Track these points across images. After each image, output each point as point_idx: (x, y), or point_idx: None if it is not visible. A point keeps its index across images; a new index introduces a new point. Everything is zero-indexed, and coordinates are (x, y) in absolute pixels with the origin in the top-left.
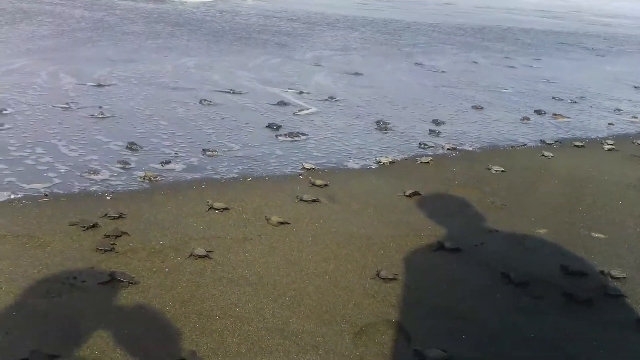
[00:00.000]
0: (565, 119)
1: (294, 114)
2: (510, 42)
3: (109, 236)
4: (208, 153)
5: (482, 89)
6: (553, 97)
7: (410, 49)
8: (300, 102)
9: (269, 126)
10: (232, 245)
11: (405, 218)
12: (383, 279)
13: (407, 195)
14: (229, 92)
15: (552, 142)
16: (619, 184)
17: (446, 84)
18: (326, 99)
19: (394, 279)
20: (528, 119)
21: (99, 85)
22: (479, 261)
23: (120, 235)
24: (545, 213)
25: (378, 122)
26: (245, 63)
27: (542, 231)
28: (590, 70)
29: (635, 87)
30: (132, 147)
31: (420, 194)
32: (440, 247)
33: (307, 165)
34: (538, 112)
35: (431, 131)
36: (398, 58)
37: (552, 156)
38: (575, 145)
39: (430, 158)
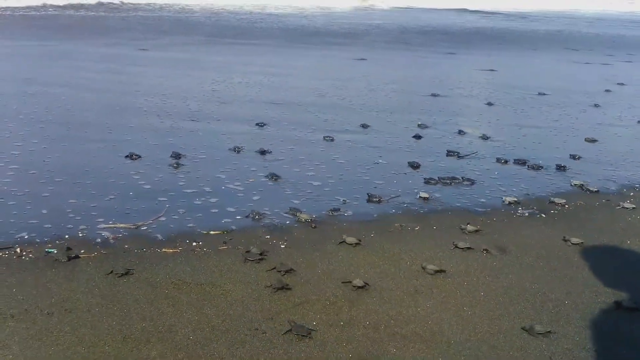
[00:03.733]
0: None
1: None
2: None
3: (279, 271)
4: (375, 199)
5: None
6: None
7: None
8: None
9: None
10: (403, 298)
11: (580, 273)
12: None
13: (573, 244)
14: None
15: None
16: None
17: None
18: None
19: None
20: None
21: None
22: None
23: (290, 271)
24: None
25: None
26: None
27: None
28: None
29: None
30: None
31: (587, 245)
32: (618, 306)
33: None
34: None
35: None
36: None
37: None
38: None
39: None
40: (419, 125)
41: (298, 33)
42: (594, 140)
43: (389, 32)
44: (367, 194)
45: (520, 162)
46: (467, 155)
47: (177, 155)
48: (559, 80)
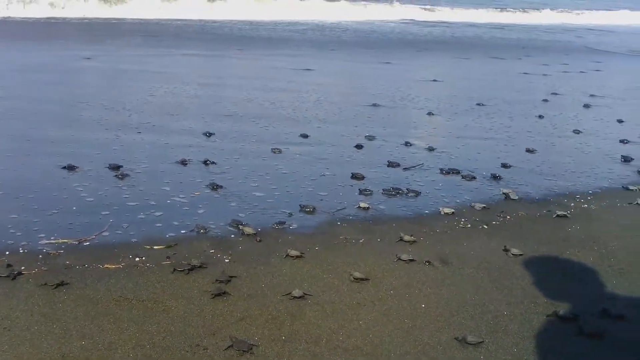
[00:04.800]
0: None
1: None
2: None
3: (221, 281)
4: (308, 210)
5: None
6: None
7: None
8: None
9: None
10: (346, 311)
11: (520, 284)
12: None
13: (513, 255)
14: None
15: None
16: None
17: None
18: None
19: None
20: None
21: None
22: (598, 330)
23: (230, 280)
24: None
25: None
26: None
27: None
28: None
29: None
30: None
31: (527, 255)
32: (556, 317)
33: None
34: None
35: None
36: None
37: None
38: None
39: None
40: (364, 137)
41: (251, 42)
42: (533, 151)
43: (335, 42)
44: (300, 204)
45: (463, 173)
46: (412, 167)
47: (121, 168)
48: (497, 90)
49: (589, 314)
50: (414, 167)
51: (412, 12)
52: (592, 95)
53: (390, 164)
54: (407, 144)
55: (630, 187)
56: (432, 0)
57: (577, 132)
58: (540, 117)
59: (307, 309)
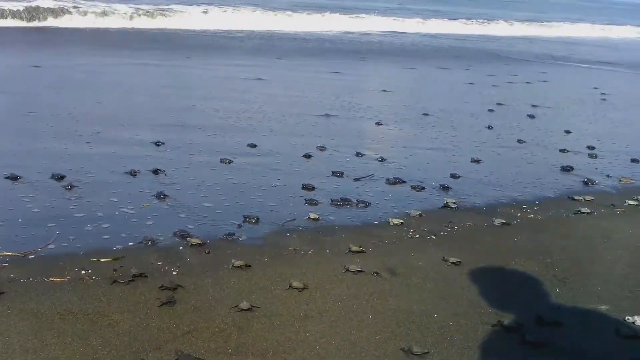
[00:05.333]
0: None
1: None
2: None
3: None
4: (250, 220)
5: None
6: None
7: None
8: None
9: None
10: (293, 323)
11: (466, 294)
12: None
13: (452, 263)
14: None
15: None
16: None
17: None
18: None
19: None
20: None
21: None
22: (539, 339)
23: (177, 288)
24: (608, 287)
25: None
26: None
27: (603, 307)
28: None
29: None
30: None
31: (473, 265)
32: (501, 327)
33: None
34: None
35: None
36: None
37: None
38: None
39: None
40: (315, 147)
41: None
42: (479, 161)
43: (284, 51)
44: (243, 215)
45: (413, 183)
46: (362, 178)
47: (68, 179)
48: (444, 100)
49: (532, 322)
50: (364, 177)
51: (373, 23)
52: (534, 106)
53: (335, 174)
54: (358, 154)
55: (576, 197)
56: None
57: (520, 141)
58: (490, 127)
59: (255, 322)
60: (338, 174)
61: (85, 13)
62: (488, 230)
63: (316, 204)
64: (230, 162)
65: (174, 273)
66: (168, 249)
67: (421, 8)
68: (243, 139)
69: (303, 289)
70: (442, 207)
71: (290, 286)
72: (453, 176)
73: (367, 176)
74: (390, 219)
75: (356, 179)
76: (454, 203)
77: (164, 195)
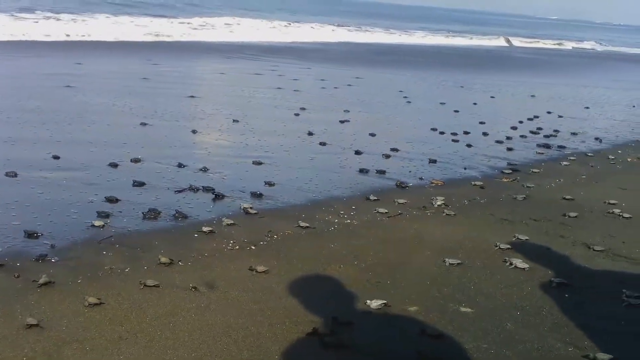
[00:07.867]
0: (440, 183)
1: None
2: None
3: None
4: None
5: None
6: None
7: None
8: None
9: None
10: (107, 346)
11: (283, 304)
12: None
13: (258, 272)
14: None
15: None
16: (488, 251)
17: None
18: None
19: None
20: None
21: None
22: (349, 344)
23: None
24: (418, 288)
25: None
26: None
27: (413, 308)
28: None
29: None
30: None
31: (291, 274)
32: (315, 334)
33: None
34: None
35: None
36: None
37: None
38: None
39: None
40: (131, 160)
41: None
42: (261, 162)
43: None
44: (24, 230)
45: (234, 194)
46: (183, 190)
47: None
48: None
49: (338, 324)
50: (185, 189)
51: None
52: (346, 111)
53: (136, 183)
54: (180, 165)
55: (371, 198)
56: None
57: (323, 144)
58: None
59: (66, 348)
60: (136, 183)
61: None
62: (306, 237)
63: (130, 218)
64: (15, 175)
65: None
66: None
67: None
68: (44, 150)
69: (97, 304)
70: (267, 217)
71: (87, 303)
72: (269, 184)
73: (187, 188)
74: (204, 227)
75: (177, 191)
76: (251, 208)
77: None
